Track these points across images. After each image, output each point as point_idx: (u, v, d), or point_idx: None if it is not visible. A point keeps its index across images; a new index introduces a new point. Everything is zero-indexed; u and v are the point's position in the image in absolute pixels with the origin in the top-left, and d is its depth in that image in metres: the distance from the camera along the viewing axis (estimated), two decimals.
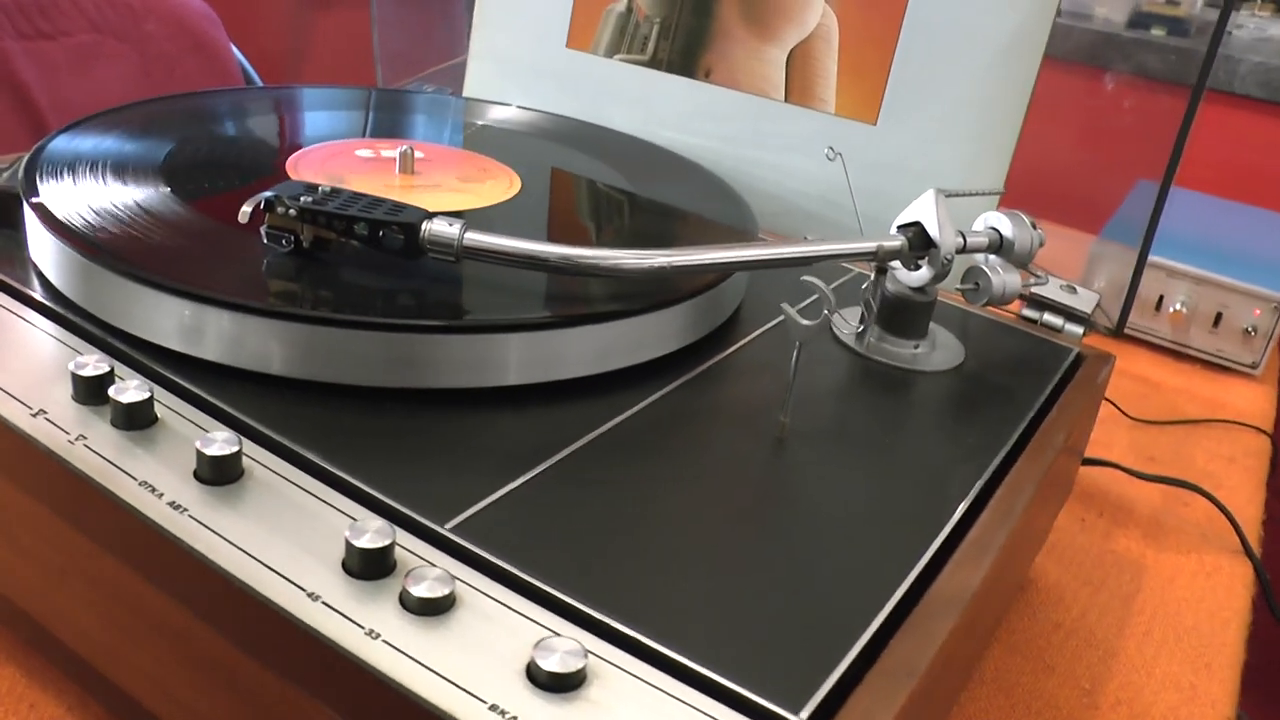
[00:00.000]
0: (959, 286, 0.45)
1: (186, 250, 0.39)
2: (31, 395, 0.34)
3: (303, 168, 0.48)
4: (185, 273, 0.37)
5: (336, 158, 0.50)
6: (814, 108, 0.56)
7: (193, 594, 0.29)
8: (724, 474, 0.35)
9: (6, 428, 0.33)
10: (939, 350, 0.46)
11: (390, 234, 0.37)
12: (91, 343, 0.37)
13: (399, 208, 0.38)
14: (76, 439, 0.32)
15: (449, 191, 0.48)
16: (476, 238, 0.37)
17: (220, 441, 0.31)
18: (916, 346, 0.45)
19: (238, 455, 0.31)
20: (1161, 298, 0.80)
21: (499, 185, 0.50)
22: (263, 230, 0.39)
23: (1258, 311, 0.78)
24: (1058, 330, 0.51)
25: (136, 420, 0.33)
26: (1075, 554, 0.55)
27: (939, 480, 0.36)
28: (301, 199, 0.37)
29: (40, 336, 0.37)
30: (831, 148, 0.48)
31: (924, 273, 0.44)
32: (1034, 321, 0.52)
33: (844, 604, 0.29)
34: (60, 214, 0.40)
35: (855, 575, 0.31)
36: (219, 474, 0.31)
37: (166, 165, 0.46)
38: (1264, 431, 0.71)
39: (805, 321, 0.36)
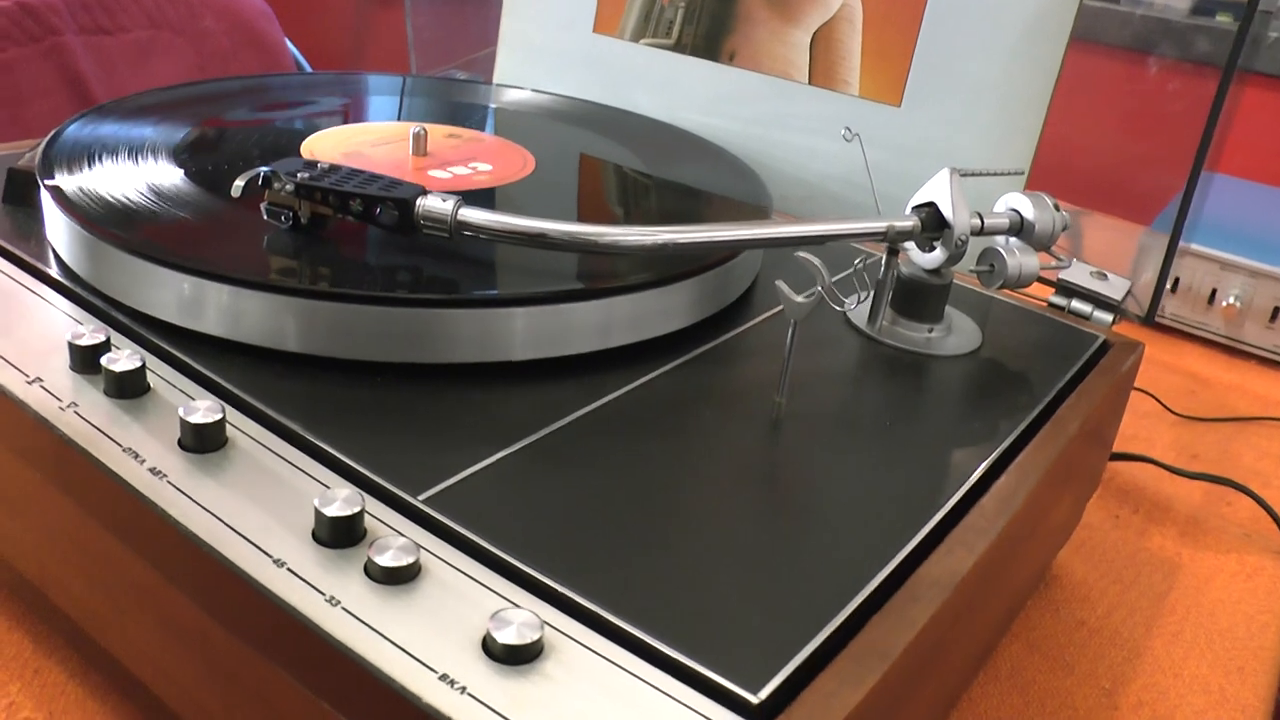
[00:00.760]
0: (973, 269, 0.44)
1: (189, 227, 0.40)
2: (30, 364, 0.34)
3: (318, 149, 0.48)
4: (183, 248, 0.37)
5: (352, 139, 0.50)
6: (837, 90, 0.55)
7: (167, 559, 0.30)
8: (711, 454, 0.34)
9: (2, 394, 0.33)
10: (955, 335, 0.44)
11: (385, 210, 0.37)
12: (96, 316, 0.38)
13: (395, 184, 0.38)
14: (68, 406, 0.33)
15: (461, 171, 0.48)
16: (470, 214, 0.37)
17: (203, 409, 0.31)
18: (931, 330, 0.44)
19: (220, 424, 0.31)
20: (1215, 291, 0.77)
21: (512, 165, 0.49)
22: (263, 207, 0.39)
23: None
24: (1086, 317, 0.49)
25: (128, 389, 0.33)
26: (1105, 551, 0.53)
27: (939, 465, 0.35)
28: (298, 175, 0.38)
29: (48, 310, 0.38)
30: (849, 128, 0.46)
31: (938, 254, 0.43)
32: (1062, 309, 0.50)
33: (821, 587, 0.28)
34: (70, 191, 0.40)
35: (837, 558, 0.30)
36: (201, 442, 0.31)
37: (181, 147, 0.47)
38: None
39: (799, 298, 0.35)
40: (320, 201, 0.38)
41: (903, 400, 0.40)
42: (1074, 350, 0.45)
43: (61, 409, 0.33)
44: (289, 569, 0.27)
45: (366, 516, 0.29)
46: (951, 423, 0.38)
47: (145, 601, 0.31)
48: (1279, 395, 0.73)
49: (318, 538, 0.28)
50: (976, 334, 0.45)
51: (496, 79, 0.69)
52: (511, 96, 0.63)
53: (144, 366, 0.34)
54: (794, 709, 0.25)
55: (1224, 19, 1.15)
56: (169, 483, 0.30)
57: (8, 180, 0.44)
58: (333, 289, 0.36)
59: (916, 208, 0.43)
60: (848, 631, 0.27)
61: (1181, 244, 0.77)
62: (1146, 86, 0.88)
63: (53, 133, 0.46)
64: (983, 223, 0.43)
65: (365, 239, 0.41)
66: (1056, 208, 0.44)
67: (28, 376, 0.34)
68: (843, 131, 0.47)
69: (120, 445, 0.31)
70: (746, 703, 0.24)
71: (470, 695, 0.24)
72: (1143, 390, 0.69)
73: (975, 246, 0.44)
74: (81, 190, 0.41)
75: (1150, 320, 0.49)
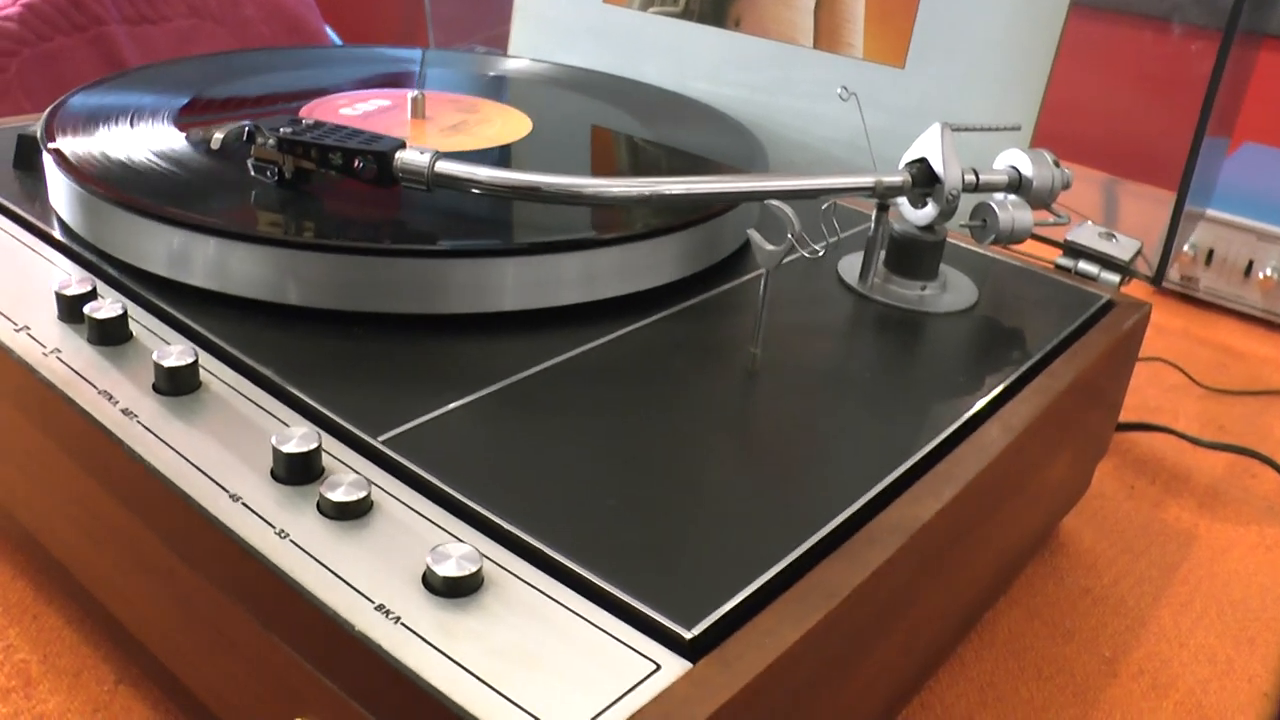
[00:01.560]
0: (964, 224, 0.43)
1: (179, 182, 0.41)
2: (19, 313, 0.35)
3: (318, 112, 0.49)
4: (171, 202, 0.38)
5: (353, 104, 0.51)
6: (842, 53, 0.54)
7: (137, 497, 0.30)
8: (679, 401, 0.34)
9: None
10: (949, 292, 0.44)
11: (365, 163, 0.37)
12: (91, 271, 0.38)
13: (375, 138, 0.38)
14: (51, 352, 0.34)
15: (459, 134, 0.48)
16: (447, 166, 0.37)
17: (176, 353, 0.32)
18: (924, 288, 0.43)
19: (193, 367, 0.32)
20: (1251, 263, 0.74)
21: (509, 128, 0.50)
22: (249, 163, 0.40)
23: None
24: (1093, 279, 0.48)
25: (110, 336, 0.34)
26: (1117, 521, 0.52)
27: (918, 416, 0.35)
28: (281, 130, 0.38)
29: (47, 267, 0.39)
30: (845, 88, 0.46)
31: (929, 210, 0.42)
32: (1069, 270, 0.49)
33: (776, 530, 0.28)
34: (68, 153, 0.41)
35: (796, 503, 0.29)
36: (174, 385, 0.32)
37: (182, 111, 0.48)
38: None
39: (770, 246, 0.34)
40: (302, 156, 0.38)
41: (888, 355, 0.39)
42: (1075, 309, 0.44)
43: (44, 354, 0.33)
44: (244, 503, 0.28)
45: (327, 456, 0.29)
46: (937, 377, 0.38)
47: (122, 542, 0.32)
48: None
49: (275, 475, 0.29)
50: (973, 292, 0.44)
51: (511, 51, 0.69)
52: (519, 66, 0.63)
53: (125, 314, 0.34)
54: (728, 645, 0.24)
55: None
56: (139, 422, 0.31)
57: (17, 145, 0.46)
58: (313, 240, 0.36)
59: (909, 164, 0.42)
60: (798, 573, 0.27)
61: (1214, 212, 0.75)
62: (1167, 50, 0.85)
63: (57, 101, 0.47)
64: (978, 179, 0.42)
65: (348, 194, 0.41)
66: (1056, 164, 0.43)
67: (16, 325, 0.35)
68: (839, 91, 0.47)
69: (96, 388, 0.32)
70: (679, 637, 0.24)
71: (403, 624, 0.24)
72: (1169, 362, 0.67)
73: (973, 203, 0.43)
74: (79, 152, 0.42)
75: (1158, 283, 0.47)
